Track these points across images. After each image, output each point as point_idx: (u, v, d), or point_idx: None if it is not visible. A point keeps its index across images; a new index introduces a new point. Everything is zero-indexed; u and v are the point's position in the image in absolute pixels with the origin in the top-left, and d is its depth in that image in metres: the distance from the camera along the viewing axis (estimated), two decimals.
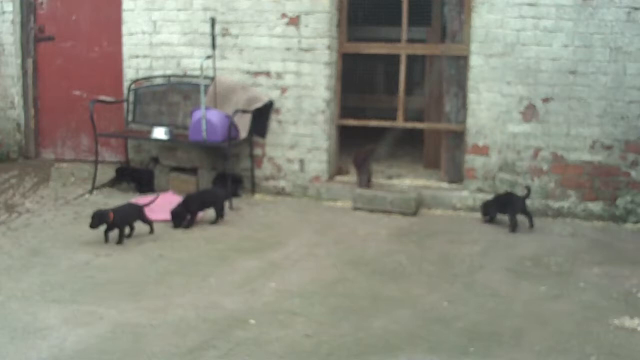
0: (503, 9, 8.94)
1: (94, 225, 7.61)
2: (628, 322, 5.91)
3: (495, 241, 8.02)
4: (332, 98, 9.58)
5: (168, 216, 8.30)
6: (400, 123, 9.71)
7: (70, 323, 5.69)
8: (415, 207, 8.91)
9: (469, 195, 9.17)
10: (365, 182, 9.35)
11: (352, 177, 9.71)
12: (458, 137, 9.48)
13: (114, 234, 7.69)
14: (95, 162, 9.73)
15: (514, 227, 8.44)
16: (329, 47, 9.46)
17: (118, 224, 7.68)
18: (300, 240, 7.87)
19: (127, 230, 7.82)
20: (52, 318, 5.78)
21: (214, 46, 9.61)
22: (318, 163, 9.59)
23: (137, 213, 8.00)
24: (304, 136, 9.60)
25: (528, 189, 8.72)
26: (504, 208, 8.66)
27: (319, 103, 9.50)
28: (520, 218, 8.50)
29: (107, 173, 10.05)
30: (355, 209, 9.03)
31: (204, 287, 6.47)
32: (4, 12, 10.84)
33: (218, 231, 8.16)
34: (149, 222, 8.02)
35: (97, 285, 6.52)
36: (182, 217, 8.24)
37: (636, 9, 8.67)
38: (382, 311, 5.99)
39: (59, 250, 7.40)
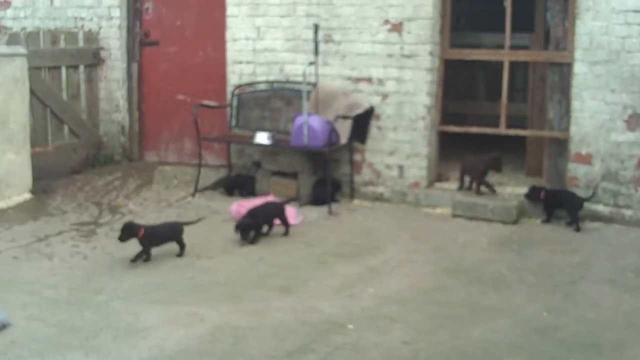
0: (608, 16, 8.79)
1: (122, 238, 7.31)
2: None
3: (596, 251, 7.90)
4: (433, 104, 9.56)
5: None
6: (502, 130, 9.62)
7: (171, 324, 5.84)
8: (516, 215, 8.81)
9: None
10: (477, 189, 9.32)
11: (451, 184, 9.66)
12: (561, 144, 9.34)
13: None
14: (199, 166, 9.93)
15: (577, 226, 8.57)
16: (431, 54, 9.44)
17: (147, 242, 7.35)
18: (398, 246, 7.89)
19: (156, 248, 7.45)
20: (153, 318, 5.93)
21: (316, 52, 9.70)
22: (417, 169, 9.57)
23: (174, 233, 7.59)
24: (403, 142, 9.59)
25: (594, 191, 8.71)
26: (561, 206, 8.81)
27: (419, 109, 9.49)
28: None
29: (209, 176, 10.24)
30: (455, 216, 8.98)
31: (303, 291, 6.56)
32: (111, 18, 11.17)
33: (317, 236, 8.24)
34: (181, 243, 7.57)
35: (197, 286, 6.67)
36: (250, 229, 8.02)
37: None
38: (481, 320, 5.98)
39: (161, 252, 7.56)
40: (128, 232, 7.26)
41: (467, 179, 9.47)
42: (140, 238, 7.27)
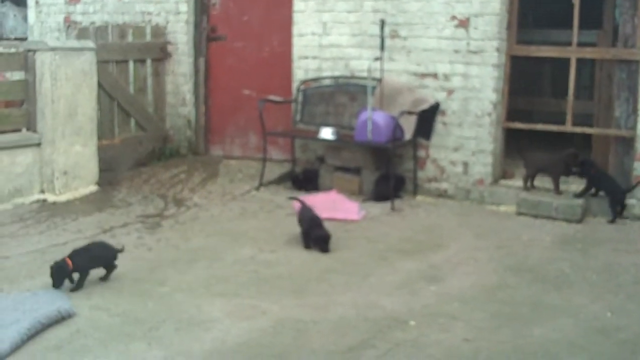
0: None
1: (56, 285, 6.31)
2: None
3: None
4: (499, 100, 9.51)
5: (335, 214, 8.46)
6: (568, 128, 9.53)
7: (233, 316, 5.90)
8: (580, 214, 8.73)
9: (637, 203, 8.91)
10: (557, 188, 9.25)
11: (516, 181, 9.60)
12: (627, 143, 9.24)
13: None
14: (264, 160, 9.99)
15: (614, 217, 8.69)
16: (497, 50, 9.39)
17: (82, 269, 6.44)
18: (461, 243, 7.87)
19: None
20: (215, 311, 6.01)
21: (382, 48, 9.70)
22: (482, 166, 9.53)
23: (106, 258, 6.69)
24: (468, 139, 9.56)
25: (634, 185, 8.76)
26: (606, 187, 8.93)
27: (485, 105, 9.44)
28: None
29: (273, 171, 10.31)
30: (519, 214, 8.92)
31: (364, 287, 6.58)
32: (178, 13, 11.30)
33: (379, 232, 8.25)
34: (112, 268, 6.69)
35: (260, 280, 6.73)
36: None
37: None
38: (542, 319, 5.94)
39: (224, 244, 7.66)
40: (59, 275, 6.31)
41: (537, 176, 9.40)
42: (71, 271, 6.36)
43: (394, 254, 7.47)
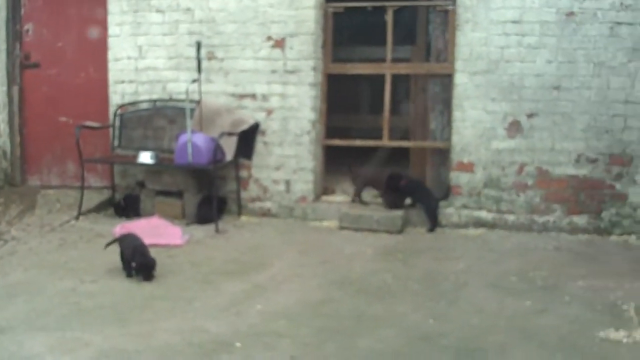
0: (487, 27, 9.01)
1: None
2: (613, 334, 5.91)
3: (479, 257, 8.05)
4: (317, 119, 9.62)
5: (157, 240, 8.30)
6: (385, 142, 9.74)
7: (55, 351, 5.67)
8: (401, 225, 8.93)
9: (455, 212, 9.20)
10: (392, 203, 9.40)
11: (337, 196, 9.75)
12: (443, 154, 9.53)
13: None
14: (82, 188, 9.72)
15: (433, 226, 9.04)
16: (314, 69, 9.50)
17: None
18: (285, 261, 7.86)
19: None
20: (37, 346, 5.75)
21: (199, 70, 9.64)
22: (304, 183, 9.61)
23: None
24: (289, 157, 9.62)
25: (447, 190, 9.13)
26: (419, 198, 9.25)
27: (304, 124, 9.53)
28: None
29: (93, 198, 10.07)
30: (342, 228, 9.05)
31: (189, 311, 6.46)
32: None
33: (203, 255, 8.15)
34: None
35: (82, 311, 6.50)
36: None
37: (619, 23, 8.75)
38: (367, 330, 5.98)
39: (44, 277, 7.38)
40: None
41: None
42: None
43: (219, 277, 7.38)
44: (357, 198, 9.53)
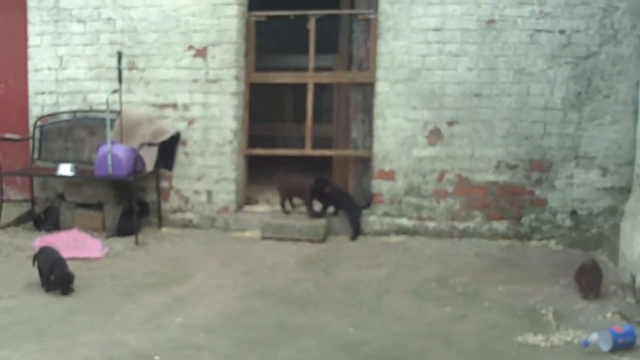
0: (408, 35, 9.08)
1: None
2: (531, 338, 6.00)
3: (401, 264, 8.11)
4: (239, 128, 9.58)
5: (77, 253, 8.18)
6: (308, 151, 9.76)
7: None
8: (323, 234, 8.95)
9: (377, 219, 9.25)
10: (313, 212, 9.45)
11: (260, 206, 9.73)
12: (365, 162, 9.57)
13: None
14: (0, 201, 9.56)
15: (355, 234, 9.07)
16: (236, 78, 9.47)
17: None
18: (207, 273, 7.81)
19: None
20: None
21: (120, 80, 9.51)
22: (226, 194, 9.56)
23: None
24: (211, 167, 9.57)
25: (369, 198, 9.19)
26: (342, 206, 9.28)
27: (226, 134, 9.49)
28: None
29: (12, 212, 9.87)
30: (264, 238, 9.03)
31: (109, 325, 6.37)
32: None
33: (123, 267, 8.05)
34: None
35: (0, 328, 6.38)
36: None
37: (538, 31, 8.88)
38: (288, 341, 5.97)
39: None
40: None
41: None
42: None
43: (139, 289, 7.30)
44: (284, 207, 9.53)
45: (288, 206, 9.60)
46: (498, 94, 9.02)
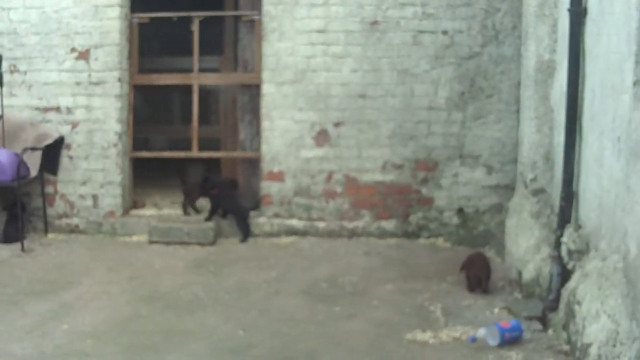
0: (293, 37, 9.10)
1: None
2: (420, 335, 6.09)
3: (291, 265, 8.14)
4: (124, 131, 9.44)
5: None
6: (195, 153, 9.68)
7: None
8: (213, 236, 8.89)
9: (267, 221, 9.24)
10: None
11: (147, 210, 9.62)
12: (253, 164, 9.55)
13: None
14: None
15: (245, 236, 9.07)
16: (119, 80, 9.32)
17: None
18: (93, 278, 7.68)
19: None
20: None
21: (1, 84, 9.25)
22: (112, 198, 9.40)
23: None
24: (96, 171, 9.39)
25: (257, 203, 9.24)
26: (230, 208, 9.23)
27: (111, 136, 9.33)
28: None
29: None
30: (152, 242, 8.92)
31: None
32: None
33: (8, 275, 7.85)
34: None
35: None
36: None
37: (421, 32, 9.02)
38: (176, 346, 5.92)
39: None
40: None
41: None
42: None
43: (25, 297, 7.12)
44: (189, 209, 9.44)
45: (189, 209, 9.50)
46: (383, 95, 9.12)
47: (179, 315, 6.59)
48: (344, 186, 9.21)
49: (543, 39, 7.54)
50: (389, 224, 9.20)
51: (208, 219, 9.14)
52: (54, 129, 9.39)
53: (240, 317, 6.54)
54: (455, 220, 9.19)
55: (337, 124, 9.14)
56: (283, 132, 9.19)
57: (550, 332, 6.11)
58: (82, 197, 9.46)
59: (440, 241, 9.12)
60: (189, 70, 9.85)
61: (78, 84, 9.38)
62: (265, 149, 9.24)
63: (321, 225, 9.22)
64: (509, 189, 8.98)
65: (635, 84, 4.96)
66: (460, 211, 9.19)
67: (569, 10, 6.37)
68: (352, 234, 9.20)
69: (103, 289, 7.35)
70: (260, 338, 6.06)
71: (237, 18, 9.93)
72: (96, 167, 9.39)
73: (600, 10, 5.89)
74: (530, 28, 8.04)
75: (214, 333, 6.18)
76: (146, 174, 10.14)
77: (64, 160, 9.44)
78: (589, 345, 5.20)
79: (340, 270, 7.93)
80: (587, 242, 5.97)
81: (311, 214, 9.22)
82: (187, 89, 10.08)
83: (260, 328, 6.29)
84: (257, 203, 9.28)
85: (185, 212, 9.43)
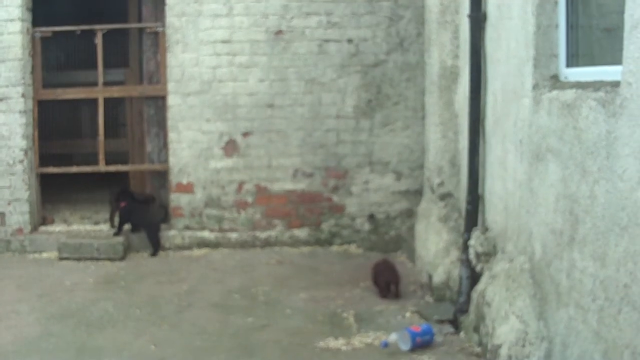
0: (197, 48, 9.06)
1: None
2: (333, 342, 6.13)
3: (203, 277, 8.12)
4: (30, 147, 9.26)
5: None
6: (102, 167, 9.56)
7: None
8: (123, 251, 8.80)
9: (178, 233, 9.18)
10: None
11: (57, 226, 9.47)
12: (162, 176, 9.48)
13: None
14: None
15: (155, 250, 9.01)
16: (23, 95, 9.14)
17: None
18: (1, 297, 7.51)
19: None
20: None
21: None
22: (20, 215, 9.21)
23: None
24: (3, 188, 9.18)
25: (165, 215, 9.17)
26: (139, 221, 9.13)
27: (16, 153, 9.14)
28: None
29: None
30: (62, 259, 8.78)
31: None
32: None
33: None
34: None
35: None
36: None
37: (327, 41, 9.09)
38: None
39: None
40: None
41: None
42: None
43: None
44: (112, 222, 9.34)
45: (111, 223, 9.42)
46: (291, 104, 9.15)
47: (90, 332, 6.49)
48: (255, 196, 9.20)
49: (445, 45, 7.66)
50: (301, 233, 9.23)
51: (117, 233, 9.04)
52: None
53: (151, 331, 6.48)
54: (366, 226, 9.27)
55: (245, 134, 9.13)
56: (191, 143, 9.14)
57: (462, 334, 6.21)
58: None
59: (352, 248, 9.19)
60: (94, 83, 9.73)
61: None
62: (173, 161, 9.18)
63: (233, 236, 9.19)
64: (418, 194, 9.10)
65: (534, 87, 5.08)
66: (371, 217, 9.26)
67: (469, 16, 6.48)
68: (265, 243, 9.20)
69: (12, 308, 7.18)
70: (172, 352, 6.01)
71: (141, 30, 9.84)
72: (3, 184, 9.18)
73: (499, 15, 6.01)
74: (433, 35, 8.15)
75: (125, 349, 6.10)
76: (66, 189, 9.97)
77: None
78: (499, 346, 5.29)
79: (253, 280, 7.92)
80: (494, 245, 6.08)
81: (223, 225, 9.20)
82: (94, 103, 9.96)
83: (172, 342, 6.23)
84: (167, 216, 9.21)
85: (112, 226, 9.35)
